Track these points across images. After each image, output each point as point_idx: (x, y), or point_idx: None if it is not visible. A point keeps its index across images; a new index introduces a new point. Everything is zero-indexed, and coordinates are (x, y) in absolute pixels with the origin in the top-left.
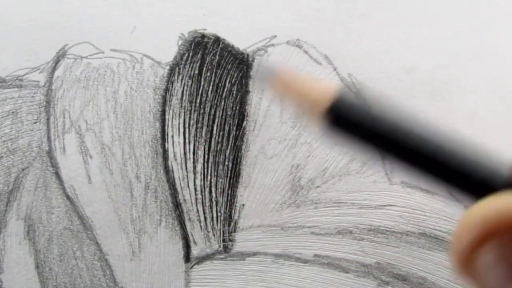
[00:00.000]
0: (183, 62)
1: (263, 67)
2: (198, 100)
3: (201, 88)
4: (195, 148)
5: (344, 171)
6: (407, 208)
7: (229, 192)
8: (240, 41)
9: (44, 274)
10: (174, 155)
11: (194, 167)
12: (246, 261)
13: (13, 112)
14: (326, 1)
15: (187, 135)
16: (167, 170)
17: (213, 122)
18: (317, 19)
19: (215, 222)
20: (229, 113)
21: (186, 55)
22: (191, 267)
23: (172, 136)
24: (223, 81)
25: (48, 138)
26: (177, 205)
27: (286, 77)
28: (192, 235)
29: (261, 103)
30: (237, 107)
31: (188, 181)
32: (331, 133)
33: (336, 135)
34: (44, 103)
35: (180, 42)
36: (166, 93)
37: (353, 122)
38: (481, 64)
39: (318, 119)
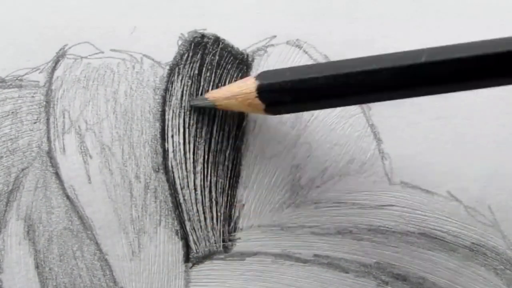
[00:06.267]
0: (183, 62)
1: (195, 101)
2: None
3: (201, 88)
4: (195, 148)
5: (344, 171)
6: (407, 208)
7: (229, 192)
8: (240, 41)
9: (44, 274)
10: (174, 155)
11: (194, 167)
12: (246, 261)
13: (13, 112)
14: (326, 1)
15: (187, 135)
16: (167, 170)
17: (213, 122)
18: (317, 19)
19: (215, 222)
20: (229, 113)
21: (186, 55)
22: (191, 267)
23: (172, 136)
24: (223, 81)
25: (48, 138)
26: (177, 205)
27: (217, 93)
28: (192, 235)
29: None
30: None
31: (188, 181)
32: (270, 107)
33: (274, 107)
34: (44, 103)
35: (180, 42)
36: (166, 93)
37: (281, 86)
38: None
39: (256, 104)
